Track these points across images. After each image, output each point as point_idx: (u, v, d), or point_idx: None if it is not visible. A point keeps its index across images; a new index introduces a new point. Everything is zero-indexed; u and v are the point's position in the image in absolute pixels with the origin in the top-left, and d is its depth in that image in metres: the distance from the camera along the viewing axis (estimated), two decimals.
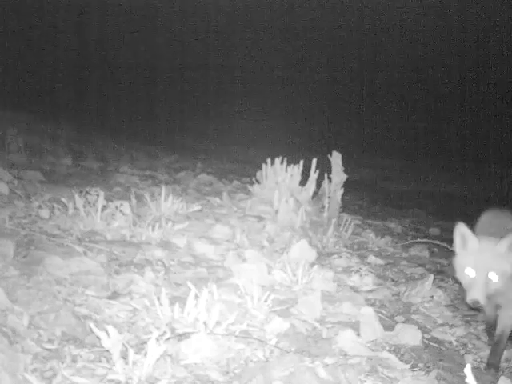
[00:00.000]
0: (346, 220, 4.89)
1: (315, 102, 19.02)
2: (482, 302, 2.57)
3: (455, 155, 15.62)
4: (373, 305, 3.33)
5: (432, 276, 3.76)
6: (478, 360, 2.94)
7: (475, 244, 2.64)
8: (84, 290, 2.58)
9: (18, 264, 2.68)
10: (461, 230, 2.69)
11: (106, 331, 2.03)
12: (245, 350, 2.34)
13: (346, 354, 2.51)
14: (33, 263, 2.73)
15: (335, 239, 4.51)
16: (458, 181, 12.77)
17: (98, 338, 2.06)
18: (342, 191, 4.94)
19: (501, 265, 2.59)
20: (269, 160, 5.09)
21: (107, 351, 2.04)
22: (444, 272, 4.41)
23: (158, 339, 2.08)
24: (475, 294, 2.56)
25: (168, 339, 2.20)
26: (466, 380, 1.50)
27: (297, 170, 4.99)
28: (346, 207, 5.58)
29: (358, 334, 2.70)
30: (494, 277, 2.57)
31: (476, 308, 2.72)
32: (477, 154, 15.50)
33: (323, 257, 4.07)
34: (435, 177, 13.29)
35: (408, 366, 2.53)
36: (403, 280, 4.01)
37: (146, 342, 2.11)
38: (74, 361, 2.01)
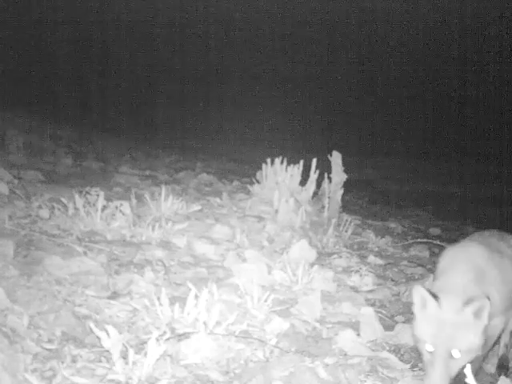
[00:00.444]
0: (346, 220, 4.89)
1: (315, 101, 19.02)
2: None
3: (455, 155, 15.62)
4: (373, 305, 3.33)
5: (432, 276, 3.76)
6: None
7: (434, 311, 2.14)
8: (84, 290, 2.58)
9: (18, 264, 2.68)
10: (419, 294, 2.19)
11: (106, 331, 2.03)
12: (245, 349, 2.34)
13: (346, 354, 2.51)
14: (33, 263, 2.73)
15: (335, 239, 4.51)
16: (457, 181, 12.77)
17: (98, 338, 2.06)
18: (341, 191, 4.94)
19: (466, 338, 2.08)
20: (269, 160, 5.09)
21: (107, 351, 2.04)
22: None
23: (157, 339, 2.08)
24: (433, 381, 2.05)
25: (168, 339, 2.20)
26: (466, 380, 1.50)
27: (297, 170, 4.99)
28: (345, 207, 5.58)
29: (358, 334, 2.70)
30: (457, 354, 2.07)
31: None
32: (477, 153, 15.50)
33: (323, 257, 4.07)
34: (435, 177, 13.29)
35: (408, 365, 2.53)
36: (403, 280, 4.01)
37: (146, 342, 2.11)
38: (74, 361, 2.01)
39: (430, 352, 2.10)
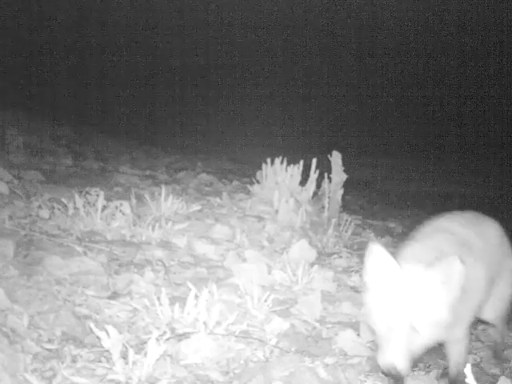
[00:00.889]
0: (346, 220, 4.88)
1: (315, 101, 19.03)
2: (404, 368, 1.70)
3: (455, 155, 15.63)
4: None
5: None
6: (478, 360, 2.94)
7: (395, 275, 1.78)
8: (84, 290, 2.58)
9: (18, 264, 2.68)
10: (376, 252, 1.80)
11: (106, 331, 2.03)
12: (245, 349, 2.34)
13: (346, 354, 2.51)
14: (33, 263, 2.73)
15: (335, 239, 4.51)
16: (457, 181, 12.77)
17: (98, 338, 2.06)
18: (341, 191, 4.93)
19: (433, 308, 1.73)
20: (269, 160, 5.08)
21: (107, 351, 2.04)
22: None
23: (158, 339, 2.08)
24: (391, 357, 1.68)
25: (168, 339, 2.20)
26: (466, 380, 1.50)
27: (297, 170, 4.99)
28: (346, 207, 5.57)
29: (358, 334, 2.70)
30: (421, 327, 1.71)
31: (392, 374, 1.74)
32: (476, 153, 15.51)
33: (323, 257, 4.07)
34: (435, 177, 13.29)
35: None
36: None
37: (146, 342, 2.11)
38: (74, 361, 2.02)
39: (387, 325, 1.76)
